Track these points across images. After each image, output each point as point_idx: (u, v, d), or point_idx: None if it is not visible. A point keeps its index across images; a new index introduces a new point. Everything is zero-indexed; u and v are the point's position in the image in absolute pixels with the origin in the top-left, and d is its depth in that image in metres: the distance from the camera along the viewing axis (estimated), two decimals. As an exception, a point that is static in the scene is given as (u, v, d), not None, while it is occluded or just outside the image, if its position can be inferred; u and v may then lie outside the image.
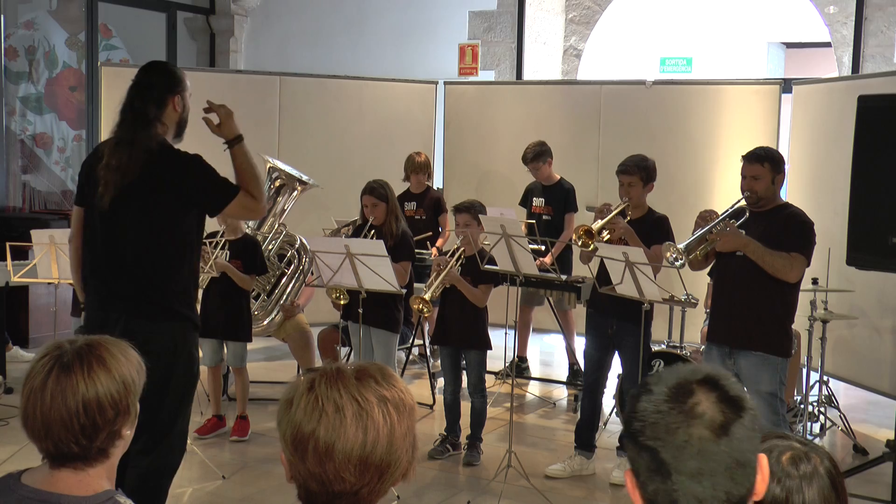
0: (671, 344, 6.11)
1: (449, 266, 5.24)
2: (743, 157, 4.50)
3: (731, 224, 4.42)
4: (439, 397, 6.20)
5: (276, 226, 6.25)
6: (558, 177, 7.01)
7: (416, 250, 5.90)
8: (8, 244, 5.99)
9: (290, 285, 6.22)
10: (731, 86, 7.63)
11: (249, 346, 5.87)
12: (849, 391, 6.98)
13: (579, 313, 6.59)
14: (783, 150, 5.93)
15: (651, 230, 5.00)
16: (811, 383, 5.93)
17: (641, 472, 1.40)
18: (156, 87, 3.52)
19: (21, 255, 6.24)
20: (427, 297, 5.15)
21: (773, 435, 1.82)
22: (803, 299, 4.94)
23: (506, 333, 5.96)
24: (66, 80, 9.38)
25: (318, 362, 6.50)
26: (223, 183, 3.54)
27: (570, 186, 6.98)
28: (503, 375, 6.92)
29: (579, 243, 4.91)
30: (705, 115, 7.48)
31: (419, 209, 7.28)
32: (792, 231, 4.37)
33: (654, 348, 5.75)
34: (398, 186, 6.58)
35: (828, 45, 9.21)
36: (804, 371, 5.88)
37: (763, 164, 4.40)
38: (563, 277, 6.19)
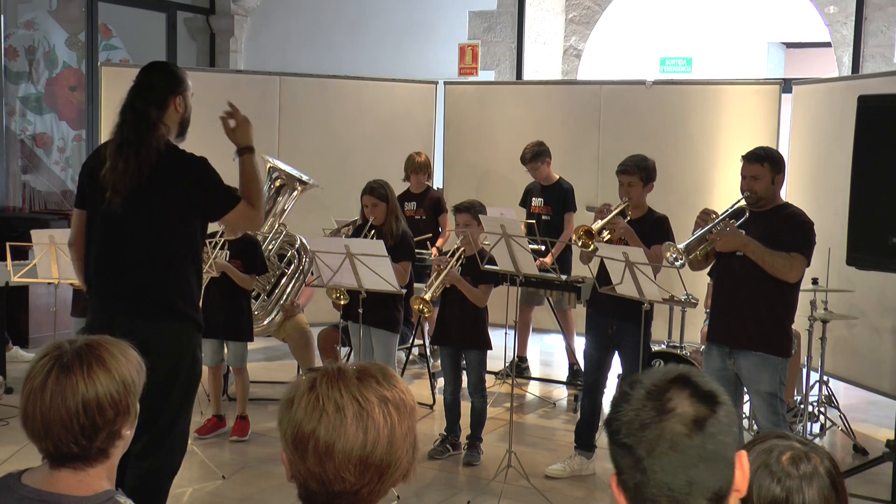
0: (671, 344, 6.11)
1: (449, 266, 5.24)
2: (743, 157, 4.50)
3: (731, 224, 4.41)
4: (439, 397, 6.20)
5: (276, 226, 6.25)
6: (557, 177, 7.01)
7: (416, 250, 5.90)
8: (8, 244, 5.99)
9: (290, 285, 6.22)
10: (731, 86, 7.63)
11: (249, 346, 5.87)
12: (849, 391, 6.98)
13: (579, 313, 6.59)
14: (783, 150, 5.93)
15: (651, 230, 5.00)
16: (811, 383, 5.93)
17: (622, 471, 1.44)
18: (157, 88, 3.51)
19: (21, 255, 6.23)
20: (427, 297, 5.15)
21: (773, 435, 1.82)
22: (803, 299, 4.94)
23: (506, 333, 5.96)
24: (66, 80, 9.38)
25: (318, 362, 6.51)
26: (227, 190, 3.56)
27: (569, 186, 6.97)
28: (503, 375, 6.92)
29: (579, 243, 4.90)
30: (705, 115, 7.48)
31: (419, 209, 7.28)
32: (792, 231, 4.37)
33: (654, 348, 5.75)
34: (398, 186, 6.58)
35: (828, 45, 9.21)
36: (804, 371, 5.88)
37: (763, 164, 4.40)
38: (563, 277, 6.19)
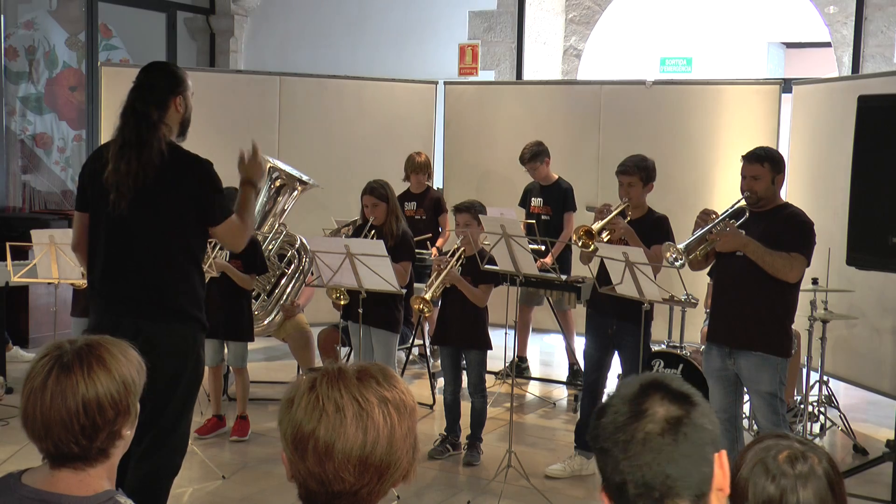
0: (671, 344, 6.11)
1: (449, 266, 5.24)
2: (743, 157, 4.50)
3: (731, 224, 4.41)
4: (439, 397, 6.20)
5: (276, 226, 6.25)
6: (556, 176, 7.01)
7: (416, 250, 5.90)
8: (8, 244, 5.99)
9: (290, 285, 6.22)
10: (731, 86, 7.63)
11: (249, 346, 5.87)
12: (849, 391, 6.98)
13: (579, 313, 6.59)
14: (783, 150, 5.93)
15: (651, 230, 5.00)
16: (811, 383, 5.93)
17: (606, 476, 1.49)
18: (157, 89, 3.51)
19: (21, 255, 6.23)
20: (427, 296, 5.16)
21: (773, 435, 1.82)
22: (803, 299, 4.94)
23: (506, 333, 5.96)
24: (66, 80, 9.38)
25: (318, 362, 6.51)
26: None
27: (568, 186, 6.98)
28: (503, 375, 6.92)
29: (579, 244, 4.90)
30: (705, 115, 7.48)
31: (419, 209, 7.28)
32: (792, 231, 4.37)
33: (654, 348, 5.75)
34: (398, 186, 6.58)
35: (828, 45, 9.21)
36: (804, 371, 5.88)
37: (763, 164, 4.40)
38: (563, 277, 6.19)
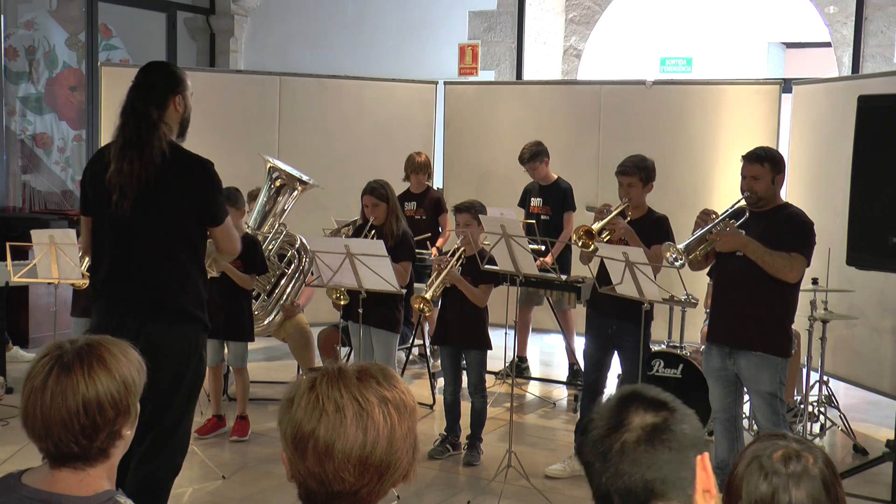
0: (671, 344, 6.11)
1: (449, 266, 5.24)
2: (743, 157, 4.50)
3: (731, 224, 4.41)
4: (439, 397, 6.20)
5: (276, 226, 6.25)
6: (555, 176, 7.01)
7: (417, 250, 5.90)
8: (8, 244, 5.98)
9: (290, 285, 6.22)
10: (731, 86, 7.63)
11: (249, 346, 5.87)
12: (849, 391, 6.98)
13: (579, 313, 6.58)
14: (783, 150, 5.93)
15: (651, 230, 5.00)
16: (811, 383, 5.93)
17: (594, 488, 1.54)
18: (156, 88, 3.51)
19: (21, 255, 6.23)
20: (427, 296, 5.16)
21: (771, 434, 1.82)
22: (803, 299, 4.94)
23: (506, 333, 5.96)
24: (66, 80, 9.38)
25: (318, 362, 6.51)
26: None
27: (568, 186, 6.98)
28: (503, 375, 6.92)
29: (579, 244, 4.90)
30: (705, 115, 7.48)
31: (419, 209, 7.28)
32: (792, 231, 4.37)
33: (654, 348, 5.75)
34: (398, 186, 6.58)
35: (828, 45, 9.21)
36: (804, 371, 5.88)
37: (763, 164, 4.40)
38: (563, 277, 6.19)
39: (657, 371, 5.66)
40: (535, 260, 5.06)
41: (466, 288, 5.25)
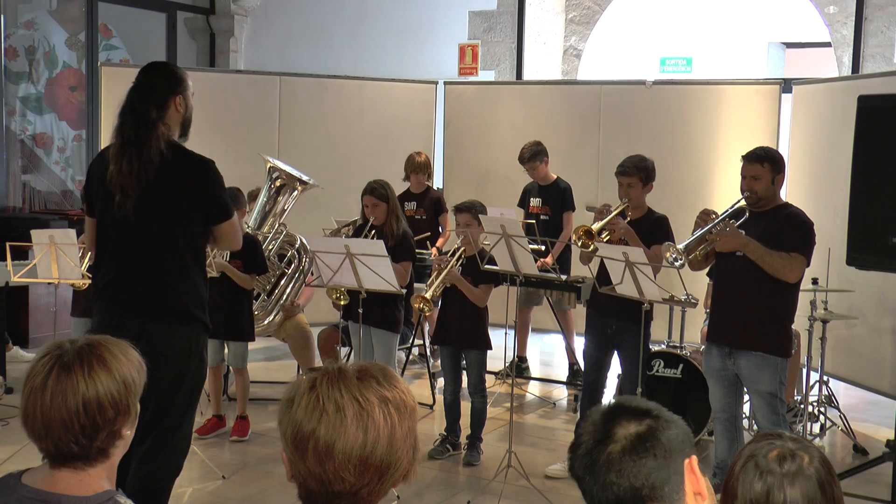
0: (671, 344, 6.11)
1: (449, 266, 5.24)
2: (743, 157, 4.50)
3: (731, 224, 4.41)
4: (439, 397, 6.20)
5: (276, 226, 6.25)
6: (554, 176, 7.01)
7: (417, 250, 5.90)
8: (8, 244, 5.98)
9: (290, 285, 6.22)
10: (731, 86, 7.63)
11: (249, 346, 5.87)
12: (849, 391, 6.98)
13: (579, 313, 6.58)
14: (783, 150, 5.93)
15: (651, 230, 5.00)
16: (811, 383, 5.92)
17: (587, 502, 1.57)
18: (157, 89, 3.51)
19: (21, 255, 6.23)
20: (428, 296, 5.16)
21: (768, 434, 1.82)
22: (803, 299, 4.94)
23: (506, 333, 5.96)
24: (66, 80, 9.38)
25: (318, 362, 6.51)
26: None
27: (567, 185, 6.98)
28: (503, 375, 6.92)
29: (579, 244, 4.90)
30: (705, 115, 7.48)
31: (419, 209, 7.28)
32: (792, 231, 4.37)
33: (654, 348, 5.75)
34: (398, 186, 6.58)
35: (828, 45, 9.21)
36: (804, 371, 5.88)
37: (763, 164, 4.40)
38: (564, 277, 6.19)
39: (657, 371, 5.66)
40: (536, 261, 5.06)
41: (466, 288, 5.25)
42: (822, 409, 6.02)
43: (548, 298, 6.81)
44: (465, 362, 5.50)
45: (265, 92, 8.06)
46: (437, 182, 8.19)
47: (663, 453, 1.51)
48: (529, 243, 4.96)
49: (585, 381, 5.30)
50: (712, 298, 4.71)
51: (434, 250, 6.55)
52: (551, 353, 8.46)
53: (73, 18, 9.42)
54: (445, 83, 8.52)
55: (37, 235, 5.60)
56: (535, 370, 7.52)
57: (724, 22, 11.95)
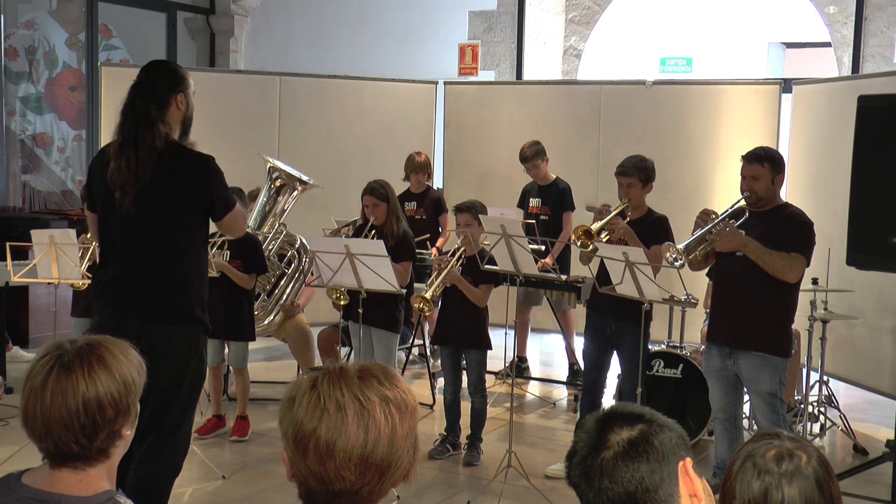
0: (671, 344, 6.10)
1: (449, 266, 5.24)
2: (743, 157, 4.50)
3: (731, 224, 4.41)
4: (439, 397, 6.20)
5: (276, 226, 6.25)
6: (554, 176, 7.01)
7: (417, 250, 5.90)
8: (8, 244, 5.98)
9: (290, 285, 6.21)
10: (731, 86, 7.63)
11: (249, 346, 5.87)
12: (849, 391, 6.98)
13: (579, 313, 6.58)
14: (783, 150, 5.93)
15: (651, 230, 5.00)
16: (811, 383, 5.93)
17: None
18: (157, 87, 3.51)
19: (21, 255, 6.23)
20: (427, 296, 5.16)
21: (767, 433, 1.82)
22: (803, 299, 4.94)
23: (506, 333, 5.96)
24: (66, 80, 9.38)
25: (318, 362, 6.51)
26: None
27: (566, 185, 6.98)
28: (503, 375, 6.92)
29: (579, 244, 4.90)
30: (705, 115, 7.48)
31: (419, 209, 7.28)
32: (792, 231, 4.37)
33: (654, 348, 5.75)
34: (398, 186, 6.58)
35: (828, 45, 9.21)
36: (804, 371, 5.88)
37: (763, 164, 4.40)
38: (563, 277, 6.19)
39: (657, 371, 5.66)
40: (536, 261, 5.06)
41: (466, 288, 5.25)
42: (822, 409, 6.02)
43: (548, 298, 6.81)
44: (465, 362, 5.50)
45: (265, 92, 8.06)
46: (437, 182, 8.19)
47: (657, 457, 1.52)
48: (529, 243, 4.96)
49: (585, 381, 5.30)
50: (712, 298, 4.71)
51: (434, 250, 6.55)
52: (551, 353, 8.46)
53: (73, 18, 9.42)
54: (445, 83, 8.52)
55: (37, 235, 5.60)
56: (535, 370, 7.52)
57: (724, 22, 11.95)
